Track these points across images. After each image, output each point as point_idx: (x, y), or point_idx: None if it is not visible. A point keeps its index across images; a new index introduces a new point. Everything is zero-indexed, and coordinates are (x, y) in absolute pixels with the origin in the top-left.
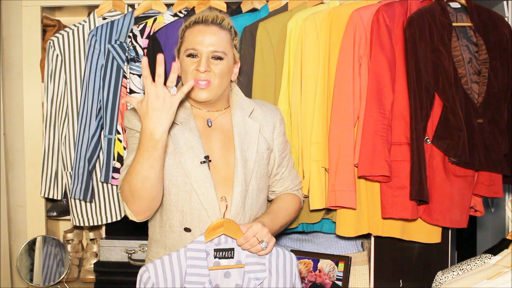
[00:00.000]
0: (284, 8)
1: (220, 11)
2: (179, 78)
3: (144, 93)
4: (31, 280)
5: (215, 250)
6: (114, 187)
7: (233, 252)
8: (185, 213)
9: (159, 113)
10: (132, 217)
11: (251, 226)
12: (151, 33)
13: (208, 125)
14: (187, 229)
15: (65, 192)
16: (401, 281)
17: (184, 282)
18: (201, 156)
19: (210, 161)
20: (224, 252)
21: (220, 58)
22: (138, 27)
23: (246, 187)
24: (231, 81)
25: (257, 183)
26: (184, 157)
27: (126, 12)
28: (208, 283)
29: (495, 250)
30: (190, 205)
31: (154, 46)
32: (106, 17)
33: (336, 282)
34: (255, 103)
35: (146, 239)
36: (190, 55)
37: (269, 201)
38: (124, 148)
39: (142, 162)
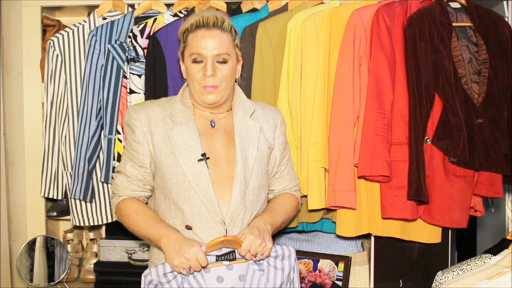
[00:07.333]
0: (284, 8)
1: (217, 9)
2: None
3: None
4: (31, 280)
5: (217, 256)
6: None
7: (235, 254)
8: (185, 211)
9: (181, 251)
10: (115, 218)
11: (245, 238)
12: (151, 33)
13: (211, 125)
14: (188, 227)
15: (65, 192)
16: (401, 281)
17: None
18: (198, 154)
19: (208, 158)
20: (226, 256)
21: (224, 62)
22: (138, 27)
23: (246, 183)
24: (236, 79)
25: (258, 180)
26: (182, 156)
27: (126, 12)
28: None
29: (495, 250)
30: (190, 203)
31: (154, 46)
32: (106, 17)
33: (336, 282)
34: (256, 104)
35: None
36: (195, 61)
37: (268, 201)
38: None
39: (139, 234)
